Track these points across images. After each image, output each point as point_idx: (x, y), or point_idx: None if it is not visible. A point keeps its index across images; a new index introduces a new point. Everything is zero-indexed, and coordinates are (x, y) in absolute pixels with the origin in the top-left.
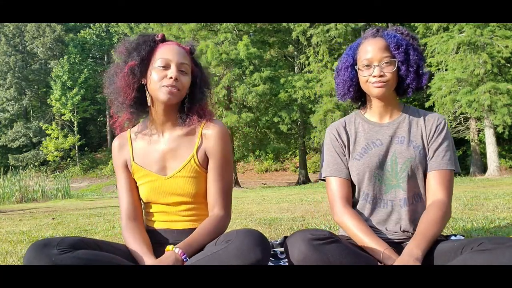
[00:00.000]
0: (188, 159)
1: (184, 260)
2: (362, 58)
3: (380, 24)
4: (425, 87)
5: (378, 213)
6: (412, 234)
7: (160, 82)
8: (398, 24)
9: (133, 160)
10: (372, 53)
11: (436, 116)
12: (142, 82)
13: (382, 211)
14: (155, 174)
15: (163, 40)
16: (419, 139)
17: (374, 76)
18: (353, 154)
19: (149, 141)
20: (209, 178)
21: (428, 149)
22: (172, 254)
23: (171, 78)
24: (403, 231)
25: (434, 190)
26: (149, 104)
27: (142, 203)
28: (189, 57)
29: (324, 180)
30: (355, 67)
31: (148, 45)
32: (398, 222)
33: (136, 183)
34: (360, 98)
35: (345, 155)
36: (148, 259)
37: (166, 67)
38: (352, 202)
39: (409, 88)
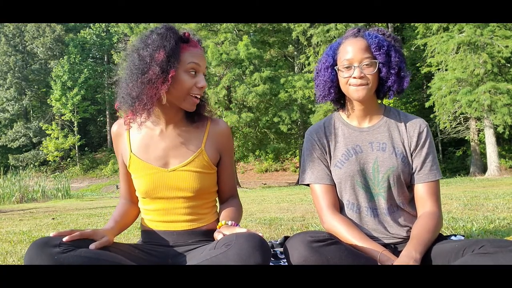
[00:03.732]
0: (196, 154)
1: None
2: (342, 58)
3: (379, 24)
4: (424, 87)
5: (366, 222)
6: (405, 237)
7: (188, 90)
8: (380, 25)
9: (131, 152)
10: (352, 54)
11: (418, 122)
12: None
13: (369, 220)
14: (156, 167)
15: (188, 40)
16: (400, 146)
17: (354, 78)
18: (333, 161)
19: (150, 135)
20: (226, 173)
21: (412, 159)
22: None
23: (201, 87)
24: (394, 236)
25: (424, 201)
26: (163, 102)
27: (139, 200)
28: None
29: (306, 185)
30: (335, 67)
31: (179, 47)
32: (386, 228)
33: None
34: (340, 100)
35: (327, 161)
36: (105, 234)
37: (195, 73)
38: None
39: (390, 91)
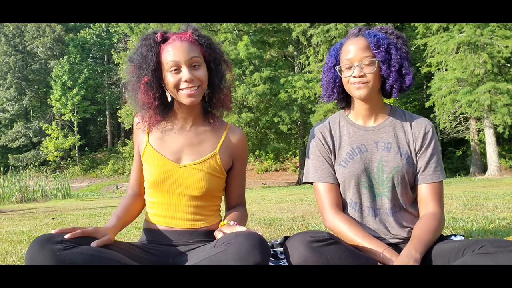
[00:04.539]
0: (209, 155)
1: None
2: (344, 58)
3: (380, 24)
4: (424, 87)
5: (367, 222)
6: (405, 237)
7: (176, 87)
8: (393, 24)
9: (148, 141)
10: (353, 53)
11: (423, 123)
12: (162, 85)
13: (370, 219)
14: (168, 160)
15: (165, 39)
16: (405, 146)
17: (354, 77)
18: (338, 160)
19: (168, 131)
20: (236, 181)
21: (417, 160)
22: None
23: (186, 81)
24: (395, 236)
25: (427, 202)
26: (170, 100)
27: (146, 192)
28: (196, 45)
29: (310, 183)
30: (337, 68)
31: (154, 52)
32: (387, 229)
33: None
34: (345, 99)
35: (331, 159)
36: (107, 232)
37: (178, 69)
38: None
39: (393, 89)
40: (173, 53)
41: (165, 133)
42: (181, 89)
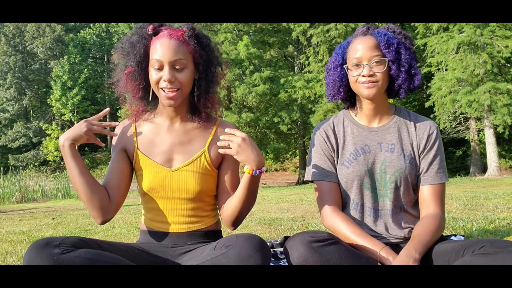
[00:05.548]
0: (198, 154)
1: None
2: (352, 57)
3: (380, 24)
4: (424, 87)
5: (367, 222)
6: (405, 237)
7: (157, 84)
8: (398, 24)
9: (138, 148)
10: (361, 52)
11: (428, 124)
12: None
13: (370, 220)
14: (160, 165)
15: (156, 32)
16: (409, 148)
17: (363, 76)
18: (341, 160)
19: (156, 130)
20: (226, 179)
21: (420, 161)
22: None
23: (164, 80)
24: (394, 236)
25: (428, 204)
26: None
27: (141, 197)
28: (185, 46)
29: (311, 181)
30: (345, 66)
31: (142, 43)
32: (387, 229)
33: (132, 171)
34: (350, 99)
35: (334, 158)
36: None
37: (160, 68)
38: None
39: (401, 89)
40: (158, 50)
41: (153, 134)
42: (162, 89)
